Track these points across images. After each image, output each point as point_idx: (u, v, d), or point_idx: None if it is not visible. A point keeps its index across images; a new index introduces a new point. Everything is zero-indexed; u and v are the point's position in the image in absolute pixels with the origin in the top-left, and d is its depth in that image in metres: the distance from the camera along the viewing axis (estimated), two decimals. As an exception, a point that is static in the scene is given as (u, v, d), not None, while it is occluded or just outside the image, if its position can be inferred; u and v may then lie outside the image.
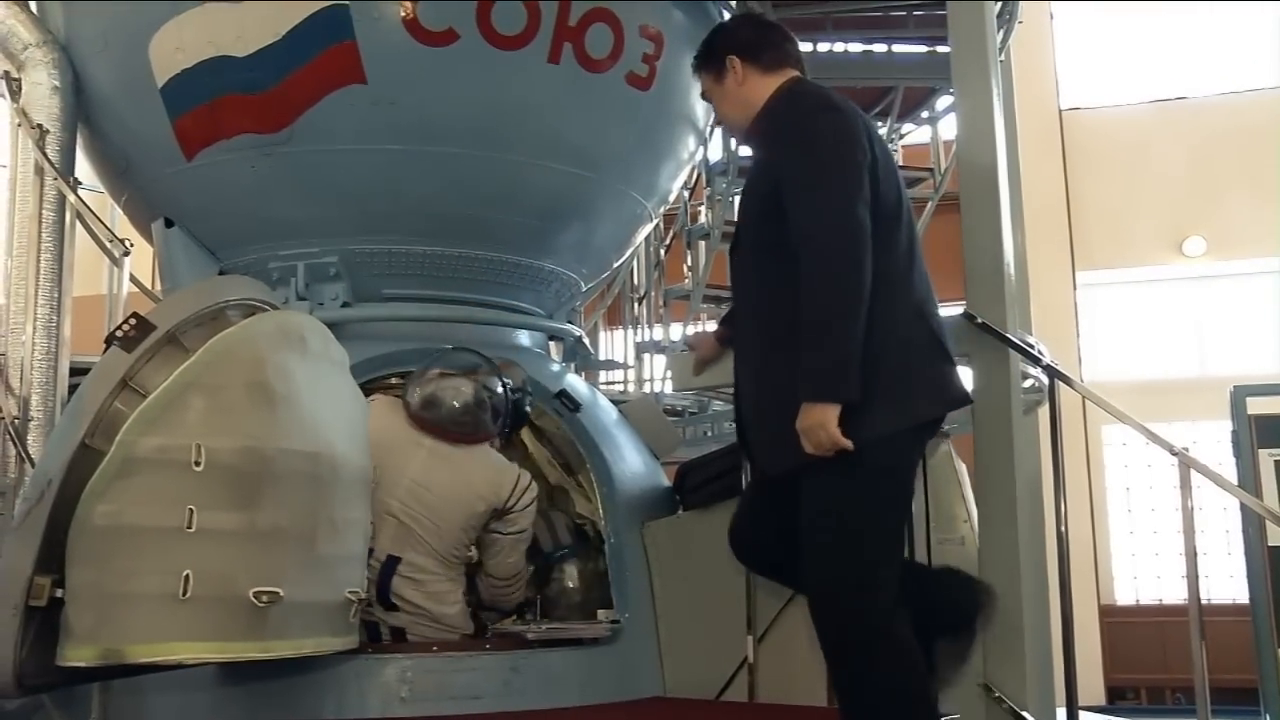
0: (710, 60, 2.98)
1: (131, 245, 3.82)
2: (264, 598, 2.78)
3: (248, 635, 2.79)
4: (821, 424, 2.52)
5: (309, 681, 3.35)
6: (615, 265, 5.23)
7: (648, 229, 5.18)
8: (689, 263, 7.03)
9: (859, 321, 2.54)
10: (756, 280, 2.77)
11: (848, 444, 2.52)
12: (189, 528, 2.72)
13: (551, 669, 3.59)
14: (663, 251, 7.85)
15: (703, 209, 7.02)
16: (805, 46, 3.58)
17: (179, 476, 2.73)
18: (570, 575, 4.00)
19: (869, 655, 2.56)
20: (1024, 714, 3.06)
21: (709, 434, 6.41)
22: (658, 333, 7.64)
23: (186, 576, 2.69)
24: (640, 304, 7.78)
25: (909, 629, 2.59)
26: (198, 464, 2.74)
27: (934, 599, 2.80)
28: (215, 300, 3.00)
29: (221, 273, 4.30)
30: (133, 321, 2.83)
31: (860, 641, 2.56)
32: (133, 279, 4.13)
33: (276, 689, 3.33)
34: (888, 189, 2.69)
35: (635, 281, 7.76)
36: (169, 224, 4.34)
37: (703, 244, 6.73)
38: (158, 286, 5.18)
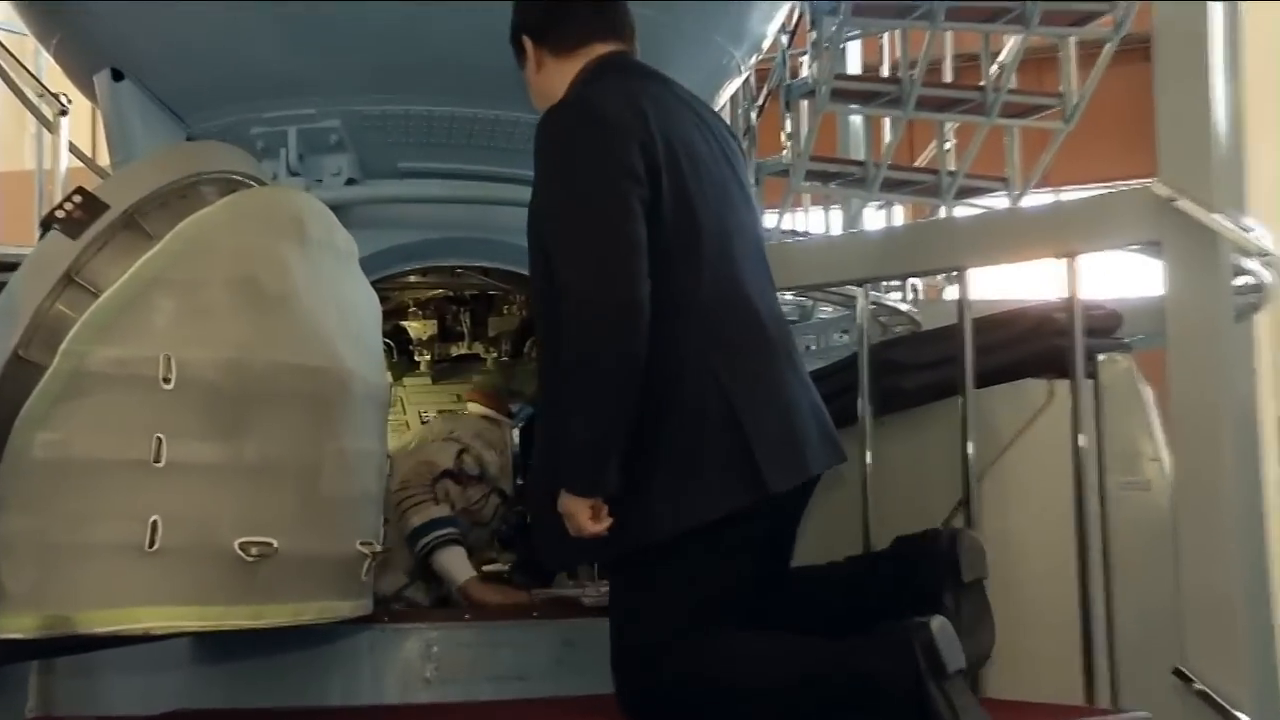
0: (513, 40, 3.12)
1: (69, 102, 3.75)
2: (253, 550, 2.77)
3: (232, 597, 2.78)
4: (570, 515, 2.76)
5: (309, 658, 3.37)
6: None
7: (735, 85, 5.07)
8: (788, 128, 6.97)
9: (617, 404, 2.69)
10: (541, 323, 2.97)
11: (598, 530, 2.75)
12: (156, 461, 2.70)
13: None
14: (754, 115, 7.78)
15: (805, 59, 6.94)
16: None
17: (143, 397, 2.72)
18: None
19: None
20: (1237, 714, 3.03)
21: (812, 347, 6.39)
22: None
23: (154, 523, 2.68)
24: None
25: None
26: (167, 381, 2.72)
27: (888, 586, 2.95)
28: (185, 173, 2.97)
29: (189, 139, 4.24)
30: (78, 200, 2.80)
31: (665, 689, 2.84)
32: (72, 148, 4.08)
33: (268, 667, 3.35)
34: (684, 207, 2.78)
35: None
36: (118, 76, 4.27)
37: (805, 104, 6.69)
38: (105, 159, 5.13)
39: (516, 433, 4.33)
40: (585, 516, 2.74)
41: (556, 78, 3.03)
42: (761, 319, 2.91)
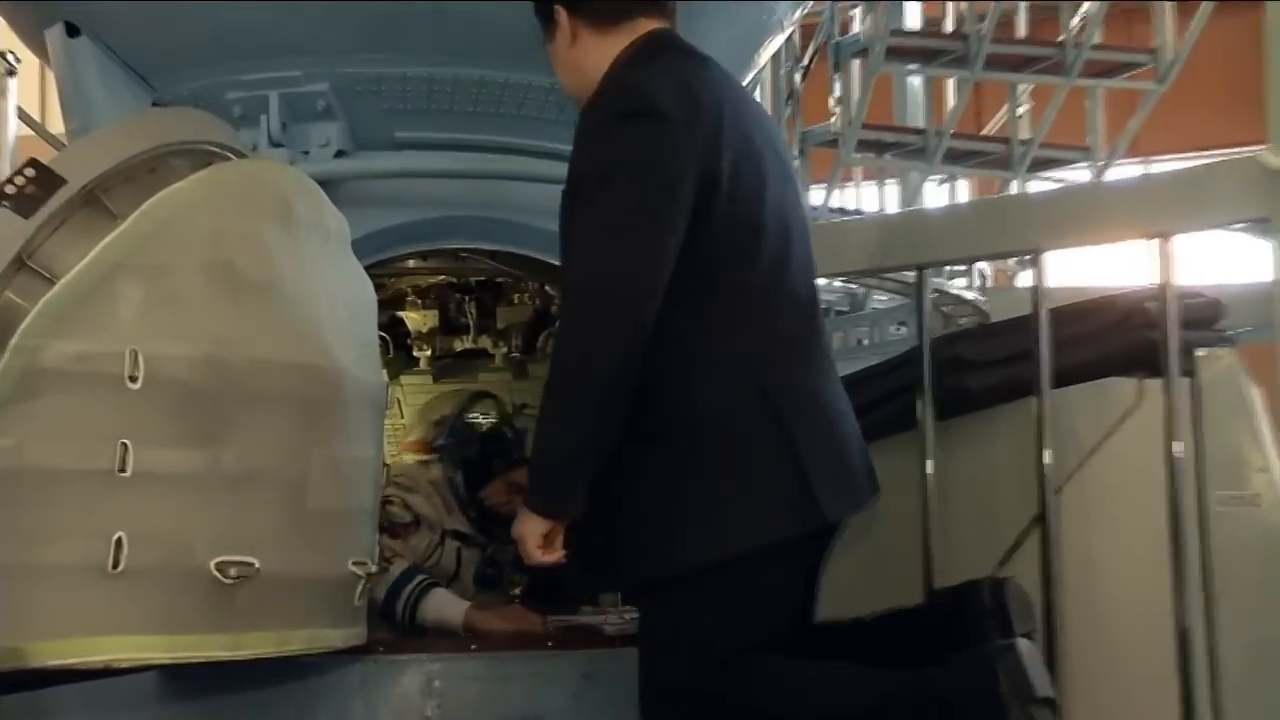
0: (539, 9, 3.09)
1: (17, 62, 3.76)
2: (232, 571, 2.79)
3: (208, 624, 2.80)
4: (521, 538, 2.87)
5: (295, 693, 3.37)
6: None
7: (776, 43, 5.09)
8: (837, 92, 6.96)
9: (596, 421, 2.76)
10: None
11: (548, 560, 2.86)
12: (121, 470, 2.72)
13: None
14: (798, 77, 7.78)
15: (856, 14, 6.93)
16: None
17: (107, 398, 2.73)
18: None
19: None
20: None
21: (865, 341, 6.36)
22: None
23: (118, 540, 2.70)
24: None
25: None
26: (133, 379, 2.74)
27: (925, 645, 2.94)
28: (153, 144, 2.98)
29: (156, 106, 4.26)
30: (30, 173, 2.81)
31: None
32: (20, 114, 4.09)
33: (248, 704, 3.35)
34: (744, 208, 2.84)
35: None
36: (73, 31, 4.29)
37: (857, 64, 6.68)
38: (57, 127, 5.15)
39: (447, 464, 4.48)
40: (535, 543, 2.85)
41: (595, 55, 3.00)
42: (814, 326, 3.01)
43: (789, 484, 2.84)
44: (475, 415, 4.64)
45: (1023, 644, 2.69)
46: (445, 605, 3.92)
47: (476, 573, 4.33)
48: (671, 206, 2.75)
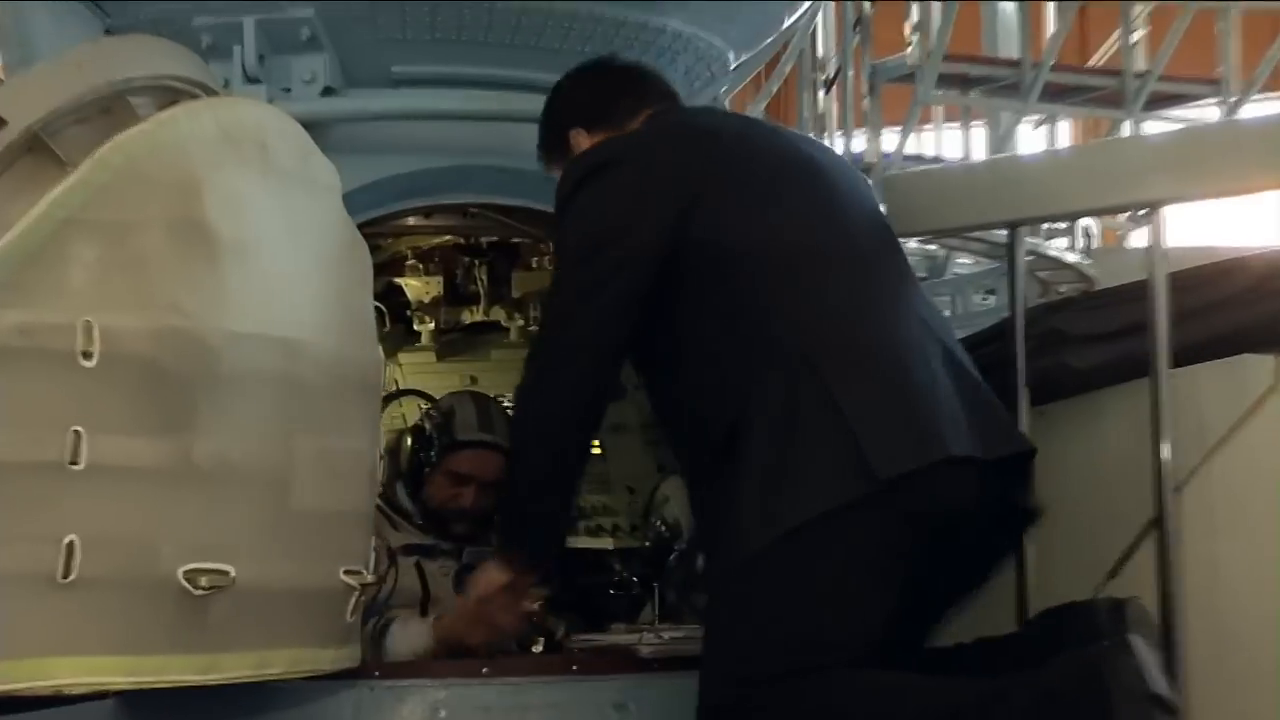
0: (549, 140, 3.78)
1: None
2: (203, 580, 2.81)
3: (175, 644, 2.82)
4: (478, 584, 3.57)
5: (278, 724, 3.41)
6: (786, 25, 5.17)
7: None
8: (913, 18, 6.93)
9: (543, 474, 3.41)
10: (651, 397, 3.62)
11: (504, 622, 3.58)
12: (74, 463, 2.74)
13: (679, 704, 3.50)
14: (866, 3, 7.76)
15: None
16: None
17: (56, 377, 2.75)
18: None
19: None
20: None
21: (947, 313, 6.40)
22: (859, 142, 7.63)
23: (70, 545, 2.71)
24: (829, 91, 7.78)
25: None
26: (88, 356, 2.75)
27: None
28: (107, 80, 2.98)
29: (110, 34, 4.29)
30: (-37, 113, 2.84)
31: None
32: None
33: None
34: (738, 222, 3.32)
35: (819, 53, 7.78)
36: (6, -54, 4.34)
37: (938, -15, 6.63)
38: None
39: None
40: (496, 598, 3.50)
41: None
42: (875, 278, 3.36)
43: (837, 447, 3.06)
44: (397, 418, 4.87)
45: (1135, 639, 2.79)
46: (410, 637, 3.95)
47: (455, 580, 4.34)
48: (619, 273, 3.31)
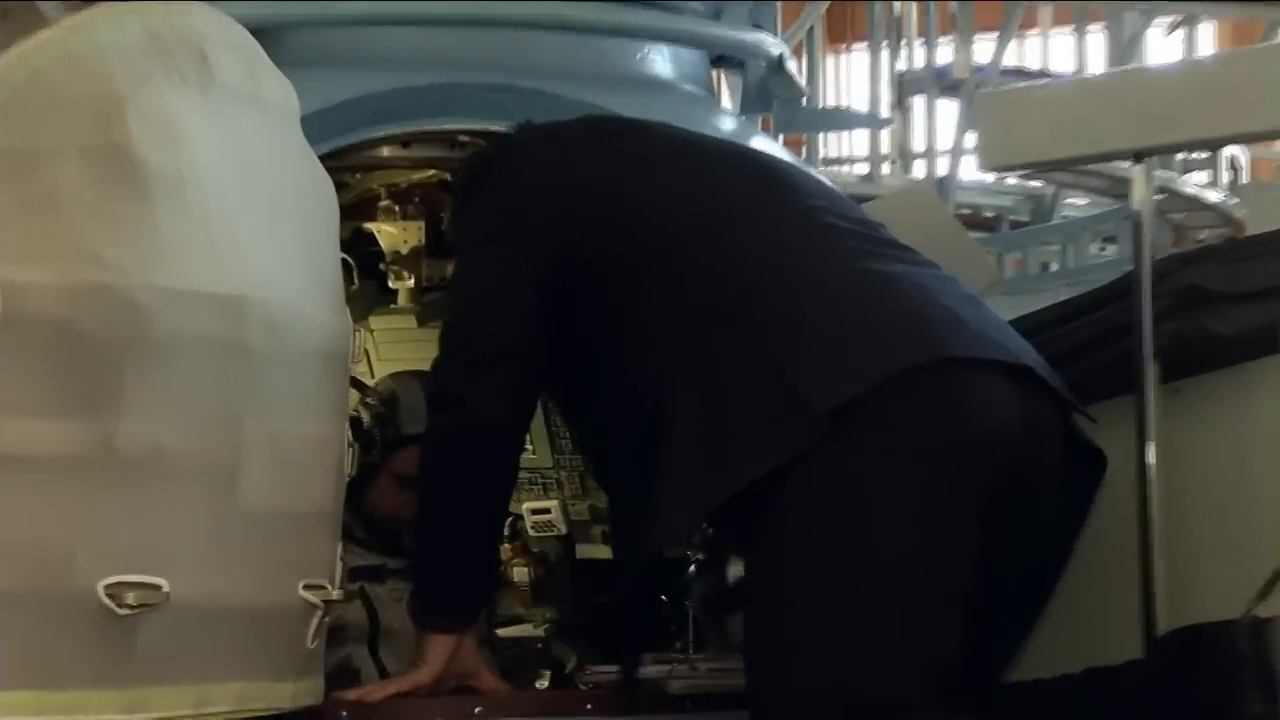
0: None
1: None
2: (130, 596, 2.81)
3: (95, 676, 2.83)
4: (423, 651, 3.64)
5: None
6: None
7: None
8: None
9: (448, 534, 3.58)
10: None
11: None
12: (-29, 451, 2.75)
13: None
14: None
15: None
16: None
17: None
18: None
19: None
20: None
21: (1055, 266, 6.42)
22: (945, 53, 7.84)
23: (-35, 554, 2.73)
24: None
25: None
26: (-11, 319, 2.77)
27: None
28: (5, -27, 3.00)
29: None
30: None
31: None
32: None
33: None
34: (638, 225, 3.55)
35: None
36: None
37: None
38: None
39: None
40: (439, 662, 3.58)
41: None
42: (822, 236, 3.50)
43: (772, 390, 3.17)
44: None
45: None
46: None
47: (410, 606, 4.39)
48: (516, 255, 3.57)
